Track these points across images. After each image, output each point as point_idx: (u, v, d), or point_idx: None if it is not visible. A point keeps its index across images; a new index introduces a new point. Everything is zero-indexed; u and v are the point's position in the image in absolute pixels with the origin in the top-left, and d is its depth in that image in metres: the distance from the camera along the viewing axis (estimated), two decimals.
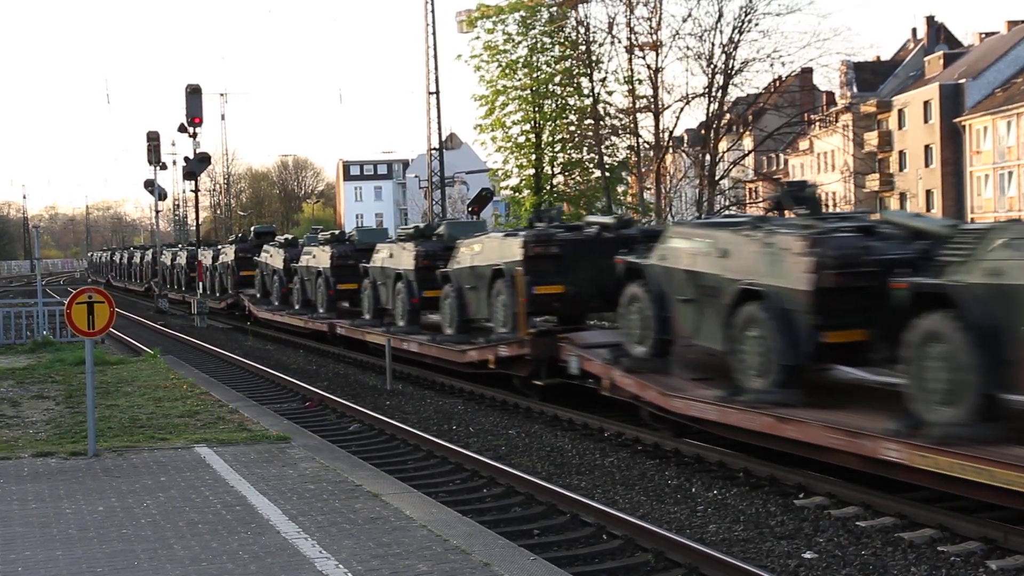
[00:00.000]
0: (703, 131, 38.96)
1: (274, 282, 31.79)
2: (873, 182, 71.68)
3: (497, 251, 17.07)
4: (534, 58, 43.25)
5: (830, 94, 68.08)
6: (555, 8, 41.63)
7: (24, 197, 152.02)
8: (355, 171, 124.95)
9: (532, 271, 16.06)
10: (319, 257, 27.42)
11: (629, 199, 46.17)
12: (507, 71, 43.60)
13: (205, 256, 42.19)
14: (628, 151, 41.20)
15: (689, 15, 37.79)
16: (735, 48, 35.94)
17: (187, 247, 50.52)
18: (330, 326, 25.51)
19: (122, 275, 69.49)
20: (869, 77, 75.90)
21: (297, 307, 29.10)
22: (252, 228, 41.88)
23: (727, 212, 35.47)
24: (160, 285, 51.29)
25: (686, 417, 12.02)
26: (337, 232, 28.49)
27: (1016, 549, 8.32)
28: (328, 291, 26.71)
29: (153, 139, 47.88)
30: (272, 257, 32.42)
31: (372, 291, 23.45)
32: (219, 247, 43.60)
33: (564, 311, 17.05)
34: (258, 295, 33.69)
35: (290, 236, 33.70)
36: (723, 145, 39.42)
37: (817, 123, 63.17)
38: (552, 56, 43.38)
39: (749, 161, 54.41)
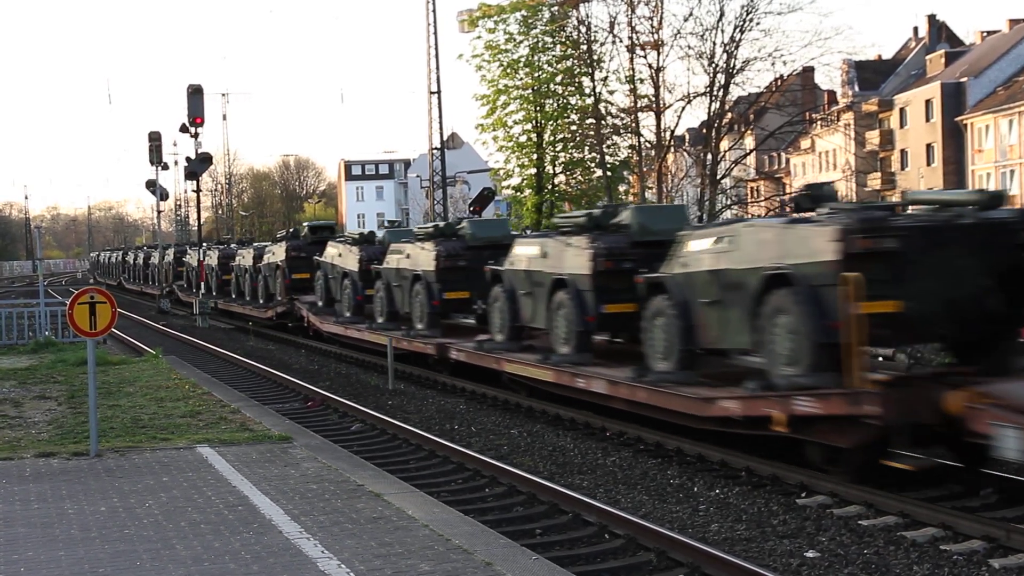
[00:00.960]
0: (704, 130, 38.91)
1: (344, 288, 25.56)
2: (875, 181, 71.64)
3: (774, 247, 11.08)
4: (535, 57, 43.28)
5: (831, 93, 68.02)
6: (556, 7, 41.61)
7: (26, 197, 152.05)
8: (357, 171, 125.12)
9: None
10: (416, 257, 21.13)
11: (631, 198, 46.17)
12: (508, 70, 43.63)
13: (243, 256, 36.52)
14: (629, 150, 41.17)
15: (690, 14, 37.59)
16: (736, 47, 35.88)
17: (217, 246, 44.86)
18: (439, 348, 18.98)
19: (136, 277, 62.07)
20: (871, 76, 75.90)
21: (380, 320, 22.99)
22: (305, 223, 33.20)
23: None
24: (184, 289, 45.53)
25: None
26: (441, 225, 21.91)
27: (1018, 548, 8.32)
28: (431, 301, 20.39)
29: (155, 139, 47.90)
30: (342, 257, 26.02)
31: (507, 303, 17.22)
32: (262, 245, 36.54)
33: (898, 341, 11.33)
34: (320, 303, 27.47)
35: (365, 231, 27.44)
36: (724, 144, 39.37)
37: (819, 122, 63.10)
38: (553, 55, 43.41)
39: (751, 160, 54.33)
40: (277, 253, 31.67)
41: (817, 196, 11.52)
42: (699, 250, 12.54)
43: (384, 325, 22.62)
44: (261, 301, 33.34)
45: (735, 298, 11.68)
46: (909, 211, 11.28)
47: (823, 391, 10.13)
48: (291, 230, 34.23)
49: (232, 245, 43.68)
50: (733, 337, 11.94)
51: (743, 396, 11.14)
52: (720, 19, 35.78)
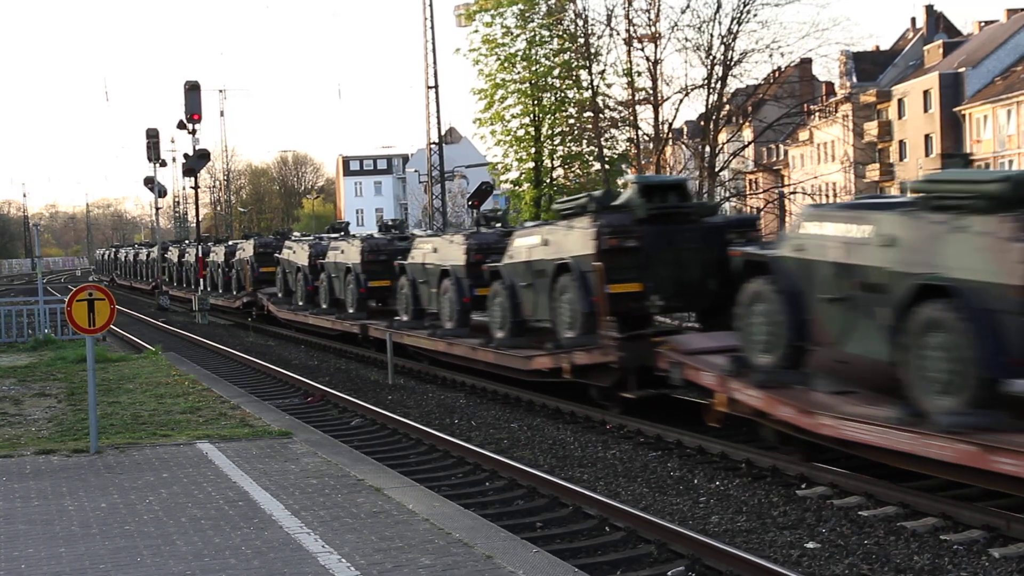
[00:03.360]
0: (702, 123, 38.93)
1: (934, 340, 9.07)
2: (873, 172, 71.64)
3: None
4: (533, 51, 43.22)
5: (829, 84, 67.92)
6: (553, 1, 41.58)
7: (24, 195, 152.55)
8: (355, 166, 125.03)
9: None
10: None
11: None
12: (506, 64, 43.56)
13: (424, 249, 20.63)
14: (628, 143, 41.19)
15: (688, 6, 38.05)
16: (734, 39, 35.91)
17: (329, 234, 30.37)
18: None
19: (182, 280, 46.87)
20: (868, 67, 75.87)
21: None
22: (631, 178, 16.90)
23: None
24: (279, 301, 30.82)
25: None
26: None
27: (1018, 537, 8.32)
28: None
29: (152, 136, 47.87)
30: (894, 251, 9.68)
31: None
32: (477, 232, 19.93)
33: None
34: (778, 358, 11.19)
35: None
36: (723, 136, 39.40)
37: (817, 113, 63.09)
38: (551, 49, 43.35)
39: (749, 152, 54.39)
40: (566, 242, 14.98)
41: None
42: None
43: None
44: (501, 335, 16.87)
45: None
46: None
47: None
48: (599, 192, 15.62)
49: (373, 234, 26.88)
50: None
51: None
52: (717, 11, 35.84)
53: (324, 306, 26.75)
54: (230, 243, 41.10)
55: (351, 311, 24.51)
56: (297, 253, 29.55)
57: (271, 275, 32.81)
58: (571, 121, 43.68)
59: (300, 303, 28.65)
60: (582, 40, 40.22)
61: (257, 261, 34.29)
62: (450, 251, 19.38)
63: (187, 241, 52.41)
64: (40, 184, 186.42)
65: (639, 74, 38.19)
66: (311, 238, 31.62)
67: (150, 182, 51.23)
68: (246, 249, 36.09)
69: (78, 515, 8.55)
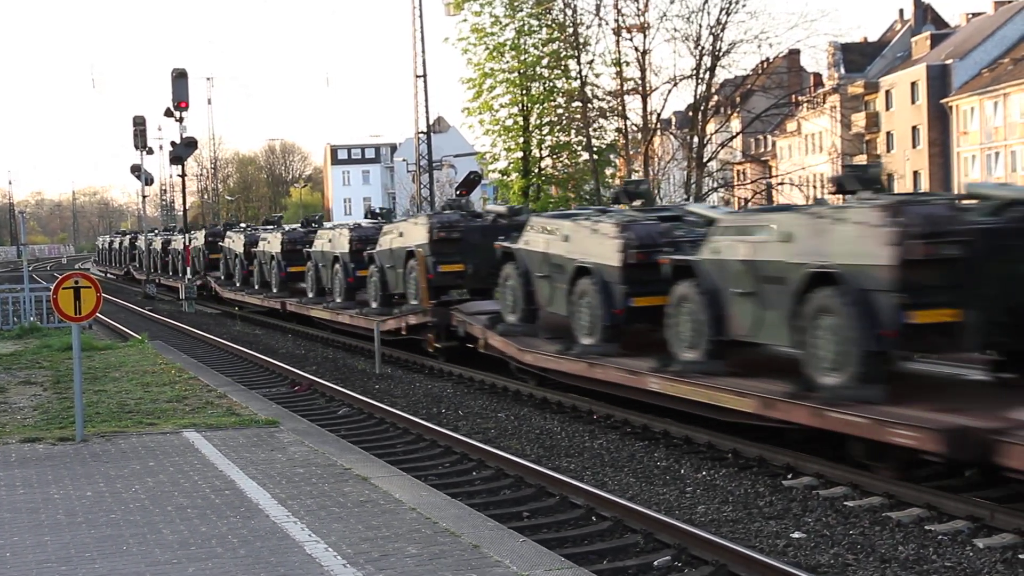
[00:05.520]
0: (691, 113, 38.91)
1: None
2: (861, 163, 71.82)
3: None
4: (521, 41, 43.12)
5: (817, 75, 67.94)
6: None
7: (10, 183, 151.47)
8: (343, 155, 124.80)
9: None
10: None
11: (617, 181, 46.16)
12: (494, 54, 43.45)
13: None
14: (616, 133, 41.14)
15: None
16: (722, 29, 35.86)
17: (647, 210, 15.23)
18: None
19: (249, 279, 33.24)
20: (856, 58, 75.98)
21: None
22: None
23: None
24: (516, 332, 16.32)
25: None
26: None
27: (1002, 527, 8.36)
28: None
29: (139, 124, 47.64)
30: None
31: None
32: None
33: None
34: None
35: None
36: (711, 127, 39.40)
37: (805, 105, 63.18)
38: (539, 38, 43.25)
39: (737, 143, 54.34)
40: None
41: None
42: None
43: None
44: None
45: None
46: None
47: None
48: None
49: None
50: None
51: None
52: (706, 1, 35.75)
53: (691, 357, 12.32)
54: (355, 224, 26.64)
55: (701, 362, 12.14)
56: (578, 241, 14.66)
57: (459, 278, 19.76)
58: (559, 111, 43.59)
59: (590, 342, 14.25)
60: (571, 30, 40.15)
61: (434, 254, 19.56)
62: None
63: (244, 225, 41.26)
64: (26, 172, 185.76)
65: (627, 64, 38.14)
66: (595, 215, 15.00)
67: (137, 170, 51.04)
68: (407, 233, 20.71)
69: (64, 503, 8.52)
